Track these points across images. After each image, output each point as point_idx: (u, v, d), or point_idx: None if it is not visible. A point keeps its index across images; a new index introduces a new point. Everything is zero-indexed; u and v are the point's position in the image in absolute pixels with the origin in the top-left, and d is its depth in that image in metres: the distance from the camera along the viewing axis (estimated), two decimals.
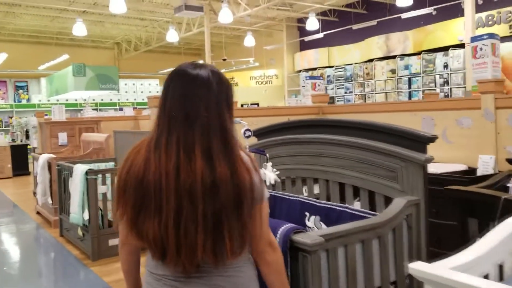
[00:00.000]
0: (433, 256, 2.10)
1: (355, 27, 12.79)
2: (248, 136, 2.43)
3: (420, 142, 1.99)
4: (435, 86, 11.47)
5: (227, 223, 1.25)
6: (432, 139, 1.96)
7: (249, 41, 14.30)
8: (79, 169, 4.35)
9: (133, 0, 11.43)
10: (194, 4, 10.30)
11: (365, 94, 13.33)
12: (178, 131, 1.28)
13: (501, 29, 9.72)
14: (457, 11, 10.50)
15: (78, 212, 4.31)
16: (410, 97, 12.07)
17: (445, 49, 11.10)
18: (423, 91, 11.75)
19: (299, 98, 9.12)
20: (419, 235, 2.04)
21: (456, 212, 2.60)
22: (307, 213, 2.56)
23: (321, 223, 2.47)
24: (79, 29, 11.60)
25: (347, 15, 13.49)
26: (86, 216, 4.24)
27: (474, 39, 3.20)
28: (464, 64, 10.44)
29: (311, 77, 4.64)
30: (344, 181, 2.34)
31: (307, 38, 14.49)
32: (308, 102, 4.46)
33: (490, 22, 10.14)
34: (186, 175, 1.24)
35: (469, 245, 1.40)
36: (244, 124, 2.44)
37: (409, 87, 12.12)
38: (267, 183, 2.42)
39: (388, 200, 2.17)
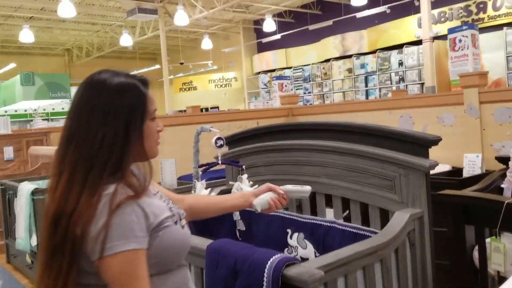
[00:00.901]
0: (437, 269, 1.85)
1: (311, 27, 12.73)
2: (221, 146, 2.10)
3: (421, 145, 1.73)
4: (391, 84, 11.57)
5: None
6: (435, 141, 1.70)
7: (207, 44, 13.92)
8: (25, 189, 3.86)
9: (83, 4, 10.83)
10: (147, 7, 9.84)
11: (323, 94, 13.29)
12: None
13: (453, 26, 9.83)
14: (410, 9, 10.59)
15: (25, 238, 3.82)
16: (367, 95, 12.14)
17: (399, 46, 11.20)
18: (380, 89, 11.84)
19: (259, 100, 8.87)
20: (424, 253, 1.77)
21: (449, 218, 2.36)
22: (289, 230, 2.25)
23: (306, 241, 2.17)
24: (26, 36, 10.91)
25: (302, 16, 13.39)
26: (34, 241, 3.76)
27: (452, 30, 3.01)
28: (419, 61, 10.54)
29: (278, 77, 4.37)
30: (332, 193, 2.05)
31: (264, 40, 14.30)
32: (275, 103, 4.18)
33: (443, 19, 10.24)
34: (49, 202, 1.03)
35: None
36: (215, 132, 2.11)
37: (366, 86, 12.19)
38: None
39: (383, 213, 1.90)
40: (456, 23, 9.89)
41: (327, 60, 12.99)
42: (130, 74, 1.11)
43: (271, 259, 1.38)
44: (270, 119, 3.83)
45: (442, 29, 9.88)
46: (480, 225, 2.22)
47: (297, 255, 2.21)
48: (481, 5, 9.54)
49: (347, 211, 2.06)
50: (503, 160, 2.70)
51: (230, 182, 2.22)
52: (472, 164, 2.86)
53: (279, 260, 1.37)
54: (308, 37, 13.42)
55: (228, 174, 2.52)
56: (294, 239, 2.23)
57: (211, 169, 2.44)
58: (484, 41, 8.92)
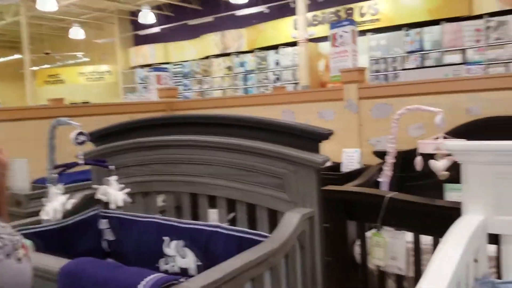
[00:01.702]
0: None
1: (191, 22, 12.49)
2: (82, 142, 1.75)
3: (312, 139, 1.59)
4: (268, 82, 11.89)
5: None
6: (327, 135, 1.57)
7: (76, 33, 12.81)
8: None
9: None
10: None
11: (203, 91, 13.16)
12: None
13: (325, 29, 10.36)
14: (286, 11, 10.92)
15: None
16: (246, 93, 12.32)
17: (276, 47, 11.54)
18: (258, 87, 12.12)
19: (135, 95, 8.33)
20: (314, 255, 1.64)
21: (331, 213, 2.30)
22: (166, 238, 1.99)
23: (186, 249, 1.93)
24: None
25: (182, 10, 13.05)
26: None
27: (333, 25, 3.01)
28: (294, 61, 11.00)
29: (156, 69, 4.06)
30: (216, 194, 1.83)
31: (141, 32, 13.67)
32: (153, 97, 3.85)
33: (315, 22, 10.72)
34: None
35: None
36: (75, 126, 1.75)
37: (245, 84, 12.38)
38: (113, 206, 1.78)
39: (272, 214, 1.73)
40: (327, 27, 10.41)
41: (207, 57, 12.89)
42: None
43: (143, 282, 1.11)
44: (146, 114, 3.51)
45: (316, 31, 10.35)
46: (362, 220, 2.18)
47: (174, 265, 1.96)
48: (349, 11, 10.17)
49: (233, 214, 1.86)
50: (380, 154, 2.74)
51: (95, 186, 1.88)
52: (350, 158, 2.87)
53: (154, 282, 1.11)
54: (188, 33, 13.16)
55: (94, 176, 2.16)
56: (172, 247, 1.97)
57: (76, 169, 2.06)
58: None
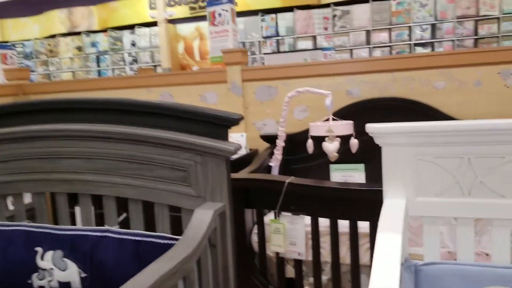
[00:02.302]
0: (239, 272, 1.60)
1: None
2: None
3: (220, 125, 1.41)
4: (125, 64, 11.26)
5: None
6: (237, 120, 1.41)
7: None
8: None
9: None
10: None
11: (50, 73, 11.90)
12: None
13: (182, 10, 10.10)
14: None
15: None
16: (99, 76, 11.48)
17: (132, 27, 10.94)
18: (113, 69, 11.40)
19: None
20: (226, 254, 1.48)
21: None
22: (39, 249, 1.64)
23: (66, 260, 1.61)
24: None
25: None
26: None
27: (211, 3, 2.82)
28: (151, 43, 10.56)
29: (1, 46, 3.39)
30: (103, 192, 1.55)
31: None
32: None
33: (172, 3, 10.37)
34: None
35: None
36: None
37: (98, 66, 11.53)
38: None
39: (174, 212, 1.52)
40: (185, 8, 10.17)
41: (53, 36, 11.63)
42: None
43: None
44: None
45: (175, 11, 10.02)
46: (260, 207, 2.10)
47: (52, 280, 1.63)
48: None
49: (124, 214, 1.60)
50: (267, 138, 2.68)
51: None
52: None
53: None
54: (29, 8, 11.67)
55: None
56: (47, 259, 1.63)
57: None
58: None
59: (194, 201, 1.44)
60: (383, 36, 8.47)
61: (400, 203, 1.24)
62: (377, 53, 8.51)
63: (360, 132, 2.35)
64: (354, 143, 2.27)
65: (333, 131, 2.16)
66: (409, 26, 8.11)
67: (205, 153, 1.40)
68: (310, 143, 2.31)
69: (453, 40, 7.75)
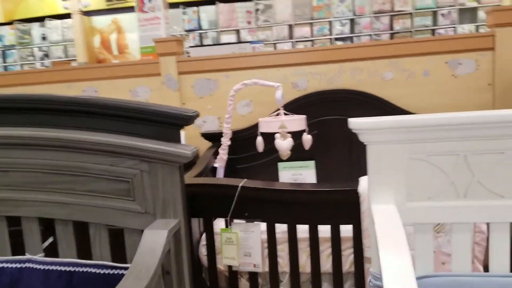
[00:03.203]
0: None
1: None
2: None
3: (171, 125, 1.15)
4: (35, 60, 10.41)
5: None
6: (192, 118, 1.16)
7: None
8: None
9: None
10: None
11: None
12: None
13: (97, 2, 9.51)
14: None
15: None
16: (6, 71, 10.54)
17: (42, 19, 10.13)
18: (22, 65, 10.50)
19: None
20: (182, 280, 1.22)
21: None
22: None
23: None
24: None
25: None
26: None
27: None
28: (63, 36, 9.88)
29: None
30: (22, 213, 1.22)
31: None
32: None
33: None
34: None
35: None
36: None
37: (4, 61, 10.57)
38: None
39: (115, 233, 1.24)
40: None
41: None
42: None
43: None
44: None
45: (90, 2, 9.40)
46: (208, 215, 1.85)
47: None
48: None
49: (51, 239, 1.29)
50: (210, 136, 2.43)
51: None
52: None
53: None
54: None
55: None
56: None
57: None
58: (127, 20, 9.08)
59: (141, 219, 1.17)
60: (305, 31, 8.50)
61: (392, 209, 1.07)
62: (300, 47, 8.51)
63: (309, 127, 2.20)
64: (308, 139, 2.09)
65: (286, 127, 1.97)
66: (330, 21, 8.19)
67: (154, 159, 1.13)
68: (260, 141, 2.10)
69: (370, 34, 7.94)
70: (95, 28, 9.53)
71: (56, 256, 1.23)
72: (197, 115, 1.15)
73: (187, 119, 1.12)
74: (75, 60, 9.48)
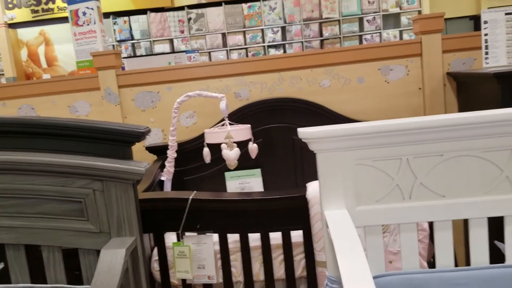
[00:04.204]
0: None
1: None
2: None
3: (122, 142, 1.14)
4: None
5: None
6: (143, 134, 1.16)
7: None
8: None
9: None
10: None
11: None
12: None
13: (22, 14, 9.07)
14: None
15: None
16: None
17: None
18: None
19: None
20: None
21: None
22: None
23: None
24: None
25: None
26: None
27: (72, 1, 2.44)
28: None
29: None
30: None
31: None
32: None
33: (10, 5, 9.23)
34: None
35: None
36: None
37: None
38: None
39: (69, 255, 1.20)
40: (26, 11, 9.13)
41: None
42: None
43: None
44: None
45: (16, 14, 8.93)
46: (159, 230, 1.83)
47: None
48: None
49: (2, 264, 1.23)
50: (155, 150, 2.40)
51: None
52: None
53: None
54: None
55: None
56: None
57: None
58: (55, 32, 8.78)
59: (96, 238, 1.15)
60: (238, 39, 8.58)
61: (344, 214, 1.12)
62: (235, 55, 8.57)
63: (254, 136, 2.24)
64: (254, 148, 2.13)
65: (232, 137, 2.00)
66: (262, 29, 8.33)
67: (107, 177, 1.12)
68: (207, 152, 2.11)
69: (302, 41, 8.18)
70: (21, 41, 9.07)
71: (8, 282, 1.17)
72: (148, 131, 1.15)
73: (139, 136, 1.12)
74: (2, 75, 8.95)
